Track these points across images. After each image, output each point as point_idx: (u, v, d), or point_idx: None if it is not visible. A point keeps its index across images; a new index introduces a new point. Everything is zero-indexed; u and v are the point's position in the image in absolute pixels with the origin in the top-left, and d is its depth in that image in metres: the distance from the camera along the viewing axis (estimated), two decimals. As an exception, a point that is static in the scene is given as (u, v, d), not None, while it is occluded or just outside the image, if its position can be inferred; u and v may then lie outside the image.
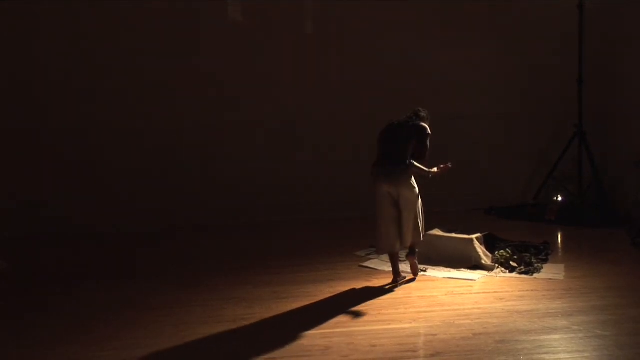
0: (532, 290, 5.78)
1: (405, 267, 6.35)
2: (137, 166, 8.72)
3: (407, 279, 6.17)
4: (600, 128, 8.78)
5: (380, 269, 6.54)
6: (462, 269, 6.40)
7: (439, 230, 6.80)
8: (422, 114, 6.08)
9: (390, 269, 6.20)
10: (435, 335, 4.84)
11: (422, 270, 6.32)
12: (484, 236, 6.80)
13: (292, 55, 8.88)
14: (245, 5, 8.77)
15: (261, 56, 8.83)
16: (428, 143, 5.94)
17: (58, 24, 8.53)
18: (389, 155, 5.91)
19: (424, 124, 6.00)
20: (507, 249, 6.69)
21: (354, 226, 8.20)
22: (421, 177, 5.99)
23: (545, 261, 6.59)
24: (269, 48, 8.84)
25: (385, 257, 6.44)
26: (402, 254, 6.37)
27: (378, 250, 6.32)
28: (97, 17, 8.56)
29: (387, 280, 6.16)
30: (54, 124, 8.59)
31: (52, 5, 8.45)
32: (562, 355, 4.41)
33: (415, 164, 5.86)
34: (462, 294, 5.77)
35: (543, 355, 4.42)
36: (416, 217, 5.98)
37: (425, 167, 5.94)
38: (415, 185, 5.93)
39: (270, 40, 8.83)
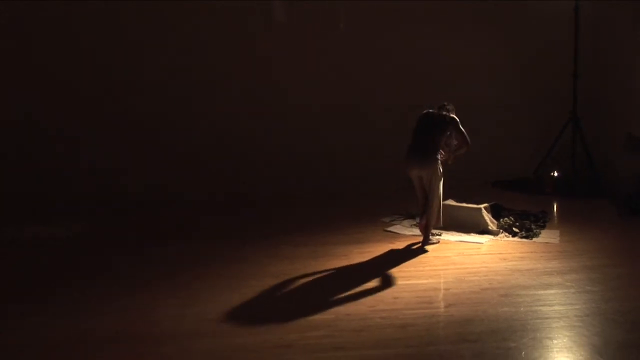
0: (531, 252, 5.93)
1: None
2: (202, 145, 8.87)
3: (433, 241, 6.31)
4: (592, 114, 8.76)
5: (402, 233, 6.71)
6: (472, 234, 6.55)
7: (452, 201, 6.94)
8: (449, 107, 6.22)
9: (411, 233, 6.48)
10: (449, 289, 5.02)
11: (436, 241, 6.35)
12: (491, 206, 6.93)
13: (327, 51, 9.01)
14: (287, 5, 8.82)
15: (304, 52, 8.97)
16: (462, 129, 6.11)
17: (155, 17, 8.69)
18: (421, 145, 6.08)
19: (453, 115, 6.14)
20: (510, 217, 6.82)
21: (381, 196, 8.22)
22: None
23: (543, 227, 6.72)
24: (309, 45, 8.94)
25: (407, 222, 6.73)
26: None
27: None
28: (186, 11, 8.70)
29: (408, 242, 6.33)
30: (140, 106, 8.72)
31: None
32: (556, 307, 4.56)
33: (441, 153, 6.12)
34: (472, 254, 5.94)
35: (540, 307, 4.57)
36: (437, 198, 6.15)
37: (468, 148, 6.17)
38: (441, 170, 6.11)
39: (308, 38, 8.91)
